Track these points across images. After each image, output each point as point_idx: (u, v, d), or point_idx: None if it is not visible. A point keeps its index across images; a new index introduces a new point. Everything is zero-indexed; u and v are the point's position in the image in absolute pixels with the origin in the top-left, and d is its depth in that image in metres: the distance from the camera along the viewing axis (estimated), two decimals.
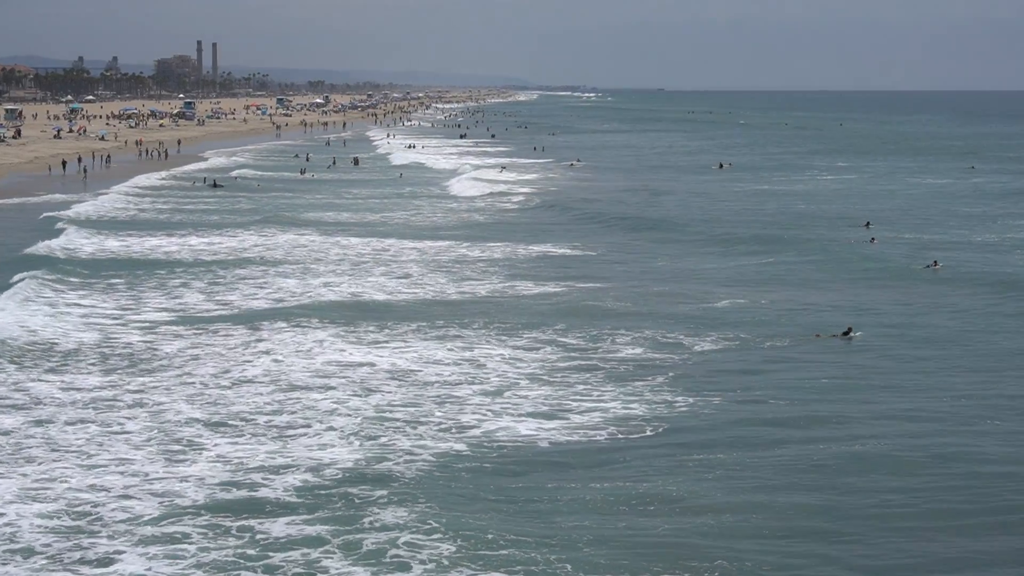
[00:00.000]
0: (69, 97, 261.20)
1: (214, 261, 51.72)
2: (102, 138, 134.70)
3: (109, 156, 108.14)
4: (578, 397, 29.61)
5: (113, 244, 56.52)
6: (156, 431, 26.40)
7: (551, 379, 31.34)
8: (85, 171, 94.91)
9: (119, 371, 31.81)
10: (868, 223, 64.11)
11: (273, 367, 32.18)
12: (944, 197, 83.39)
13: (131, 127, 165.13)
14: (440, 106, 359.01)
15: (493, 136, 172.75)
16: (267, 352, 33.96)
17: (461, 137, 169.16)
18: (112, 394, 29.46)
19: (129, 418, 27.35)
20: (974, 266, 50.54)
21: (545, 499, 22.71)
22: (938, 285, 45.89)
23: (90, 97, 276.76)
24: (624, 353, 34.15)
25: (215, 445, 25.52)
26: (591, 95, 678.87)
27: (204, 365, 32.45)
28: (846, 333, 36.14)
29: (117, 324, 38.01)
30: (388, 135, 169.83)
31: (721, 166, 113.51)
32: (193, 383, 30.55)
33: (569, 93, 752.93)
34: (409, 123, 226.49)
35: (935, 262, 49.89)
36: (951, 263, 50.61)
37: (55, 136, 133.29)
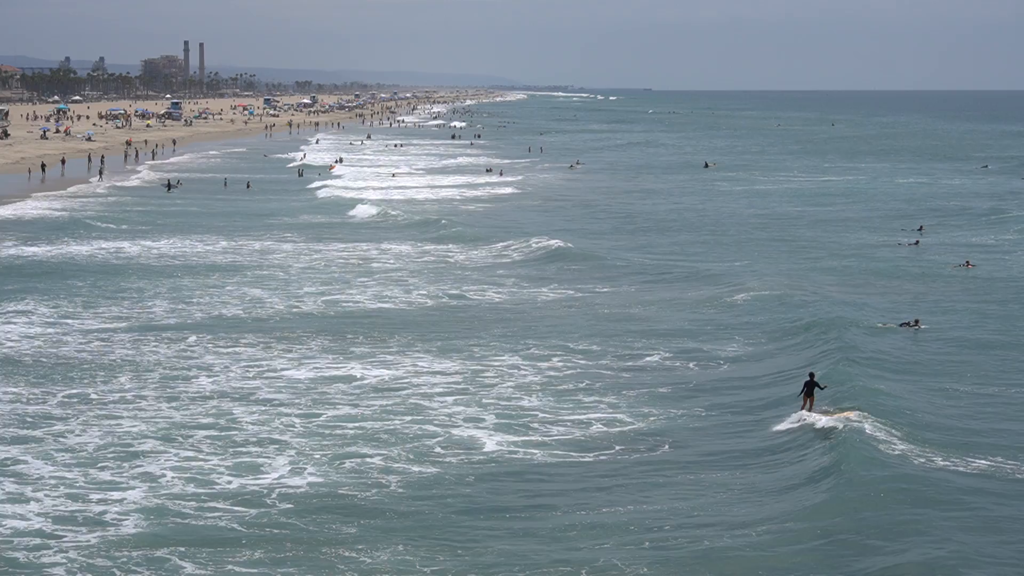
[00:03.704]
0: (56, 97, 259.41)
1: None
2: (89, 139, 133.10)
3: (103, 157, 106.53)
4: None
5: None
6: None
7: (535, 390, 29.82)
8: (101, 172, 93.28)
9: None
10: (921, 227, 62.17)
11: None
12: (962, 196, 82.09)
13: (118, 127, 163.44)
14: (427, 107, 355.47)
15: (478, 136, 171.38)
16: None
17: (452, 138, 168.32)
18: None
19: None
20: (1007, 264, 50.21)
21: (551, 526, 20.68)
22: (974, 283, 45.10)
23: (77, 97, 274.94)
24: (643, 361, 33.02)
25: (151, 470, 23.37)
26: (579, 96, 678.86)
27: None
28: (913, 323, 35.98)
29: None
30: (367, 135, 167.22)
31: (707, 165, 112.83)
32: None
33: (557, 94, 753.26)
34: (399, 123, 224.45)
35: (968, 262, 49.50)
36: (983, 263, 50.18)
37: (42, 137, 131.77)
